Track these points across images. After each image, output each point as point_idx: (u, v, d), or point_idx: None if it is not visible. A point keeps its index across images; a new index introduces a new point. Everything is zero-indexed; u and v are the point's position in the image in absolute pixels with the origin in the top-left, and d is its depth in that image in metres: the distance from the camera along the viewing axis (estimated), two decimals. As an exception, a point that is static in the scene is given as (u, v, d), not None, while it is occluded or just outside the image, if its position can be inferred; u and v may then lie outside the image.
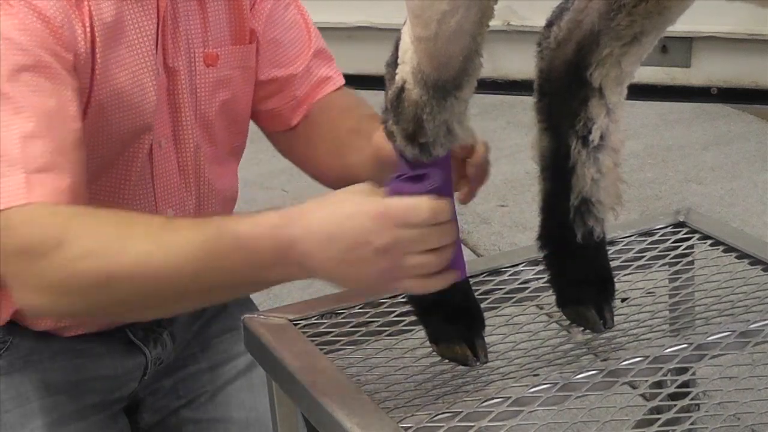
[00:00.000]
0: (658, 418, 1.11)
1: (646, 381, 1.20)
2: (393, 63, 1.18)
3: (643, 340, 1.29)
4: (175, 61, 1.40)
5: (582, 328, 1.30)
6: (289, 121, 1.56)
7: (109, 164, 1.39)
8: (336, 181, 1.41)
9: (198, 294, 1.19)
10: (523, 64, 3.92)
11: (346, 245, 1.10)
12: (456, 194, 1.27)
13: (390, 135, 1.20)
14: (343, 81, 1.59)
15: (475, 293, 1.30)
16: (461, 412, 1.14)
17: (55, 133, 1.23)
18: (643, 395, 1.27)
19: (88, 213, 1.22)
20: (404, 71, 1.16)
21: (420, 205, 1.10)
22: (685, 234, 1.54)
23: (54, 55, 1.26)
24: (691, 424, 1.11)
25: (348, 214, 1.11)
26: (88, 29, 1.29)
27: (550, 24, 1.21)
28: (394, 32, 1.21)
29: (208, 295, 1.22)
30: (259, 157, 3.51)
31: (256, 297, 1.71)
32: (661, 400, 1.23)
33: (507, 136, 3.77)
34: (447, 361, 1.25)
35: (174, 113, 1.42)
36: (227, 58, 1.46)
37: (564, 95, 1.21)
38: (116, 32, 1.33)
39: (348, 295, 1.40)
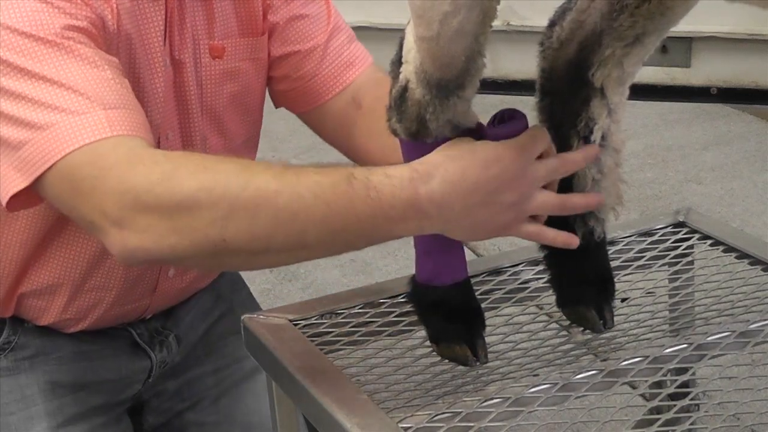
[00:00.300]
0: (658, 418, 1.11)
1: (646, 381, 1.20)
2: (397, 62, 1.19)
3: (643, 340, 1.29)
4: (181, 53, 1.39)
5: (582, 328, 1.30)
6: (318, 99, 1.52)
7: None
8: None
9: (319, 241, 1.11)
10: (523, 64, 3.92)
11: (494, 188, 1.10)
12: None
13: (394, 133, 1.21)
14: (371, 58, 1.56)
15: (475, 293, 1.30)
16: (461, 412, 1.14)
17: (119, 77, 1.22)
18: (643, 395, 1.27)
19: (195, 154, 1.16)
20: (407, 70, 1.16)
21: (537, 132, 1.15)
22: (685, 234, 1.54)
23: (91, 22, 1.25)
24: (691, 424, 1.11)
25: (492, 158, 1.11)
26: (114, 8, 1.29)
27: (552, 24, 1.21)
28: (394, 32, 1.20)
29: (329, 244, 1.13)
30: (258, 156, 3.50)
31: (255, 297, 1.72)
32: (661, 400, 1.23)
33: (507, 136, 3.77)
34: (447, 361, 1.24)
35: (180, 105, 1.41)
36: (234, 50, 1.45)
37: (565, 95, 1.21)
38: (133, 19, 1.33)
39: (347, 296, 1.40)
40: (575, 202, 1.20)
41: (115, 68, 1.23)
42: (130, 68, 1.33)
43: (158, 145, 1.38)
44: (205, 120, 1.45)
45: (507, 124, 1.16)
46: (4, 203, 1.19)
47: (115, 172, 1.12)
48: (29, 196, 1.19)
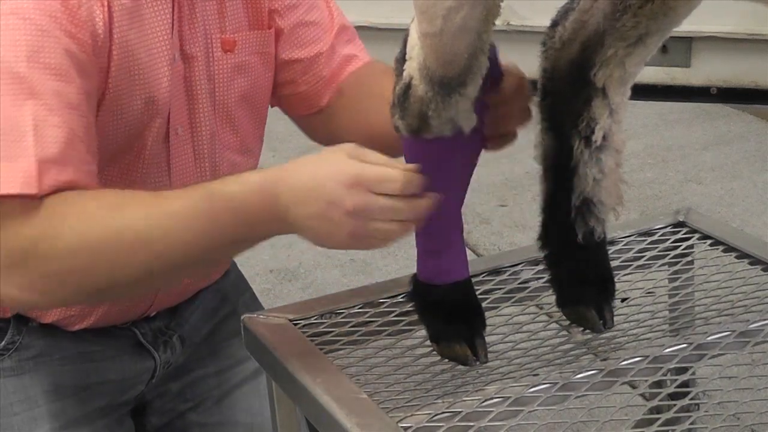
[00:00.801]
0: (658, 418, 1.11)
1: (646, 381, 1.20)
2: (401, 59, 1.19)
3: (642, 340, 1.29)
4: (192, 47, 1.38)
5: (582, 328, 1.30)
6: (318, 102, 1.54)
7: (123, 149, 1.36)
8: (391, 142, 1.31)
9: (193, 262, 1.21)
10: (523, 64, 3.91)
11: (323, 203, 1.13)
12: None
13: (396, 130, 1.21)
14: (369, 57, 1.57)
15: (476, 293, 1.30)
16: (461, 411, 1.14)
17: (68, 121, 1.22)
18: (642, 395, 1.27)
19: (74, 198, 1.21)
20: (411, 67, 1.16)
21: (392, 175, 1.13)
22: (684, 234, 1.54)
23: (71, 37, 1.24)
24: (691, 424, 1.11)
25: (326, 175, 1.14)
26: (106, 9, 1.28)
27: (555, 24, 1.22)
28: (394, 32, 1.21)
29: (202, 261, 1.24)
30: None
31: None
32: (660, 400, 1.23)
33: (507, 136, 3.77)
34: (447, 360, 1.24)
35: (190, 100, 1.40)
36: (245, 43, 1.45)
37: (567, 95, 1.21)
38: (133, 16, 1.31)
39: (347, 295, 1.40)
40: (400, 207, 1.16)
41: (73, 107, 1.23)
42: (129, 71, 1.32)
43: (168, 139, 1.39)
44: (218, 117, 1.44)
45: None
46: None
47: (5, 229, 1.17)
48: None
